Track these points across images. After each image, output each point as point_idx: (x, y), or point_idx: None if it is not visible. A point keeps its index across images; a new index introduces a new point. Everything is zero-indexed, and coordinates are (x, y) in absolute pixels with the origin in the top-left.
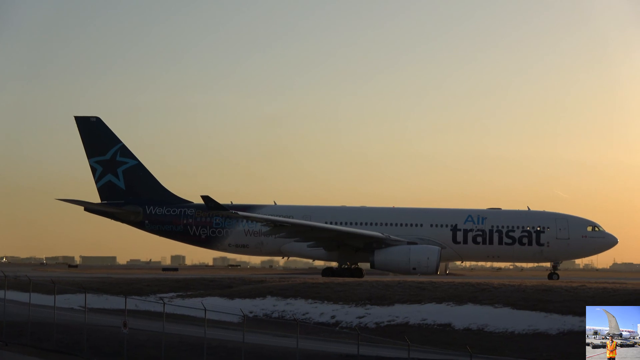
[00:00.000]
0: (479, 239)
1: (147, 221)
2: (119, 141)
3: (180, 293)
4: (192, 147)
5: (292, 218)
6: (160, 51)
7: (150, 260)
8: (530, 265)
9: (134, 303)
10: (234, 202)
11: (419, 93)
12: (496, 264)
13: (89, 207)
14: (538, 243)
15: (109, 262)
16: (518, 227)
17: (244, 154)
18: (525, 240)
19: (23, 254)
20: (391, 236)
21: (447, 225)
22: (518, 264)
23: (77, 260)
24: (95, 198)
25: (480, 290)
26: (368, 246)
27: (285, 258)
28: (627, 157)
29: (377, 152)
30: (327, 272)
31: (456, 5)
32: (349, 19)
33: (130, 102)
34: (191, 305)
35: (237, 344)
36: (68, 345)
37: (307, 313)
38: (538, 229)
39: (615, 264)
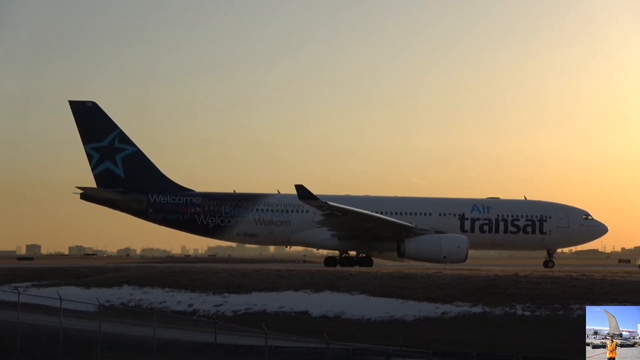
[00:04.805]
0: (486, 228)
1: (151, 210)
2: (116, 127)
3: (35, 282)
4: (189, 135)
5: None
6: (157, 37)
7: None
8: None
9: None
10: (237, 191)
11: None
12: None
13: (89, 194)
14: (541, 231)
15: None
16: (522, 216)
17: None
18: (529, 228)
19: None
20: (418, 225)
21: (455, 215)
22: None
23: None
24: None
25: (337, 278)
26: (396, 235)
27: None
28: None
29: None
30: (329, 261)
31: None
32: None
33: (125, 87)
34: (47, 295)
35: (93, 333)
36: None
37: (165, 302)
38: (541, 217)
39: None
